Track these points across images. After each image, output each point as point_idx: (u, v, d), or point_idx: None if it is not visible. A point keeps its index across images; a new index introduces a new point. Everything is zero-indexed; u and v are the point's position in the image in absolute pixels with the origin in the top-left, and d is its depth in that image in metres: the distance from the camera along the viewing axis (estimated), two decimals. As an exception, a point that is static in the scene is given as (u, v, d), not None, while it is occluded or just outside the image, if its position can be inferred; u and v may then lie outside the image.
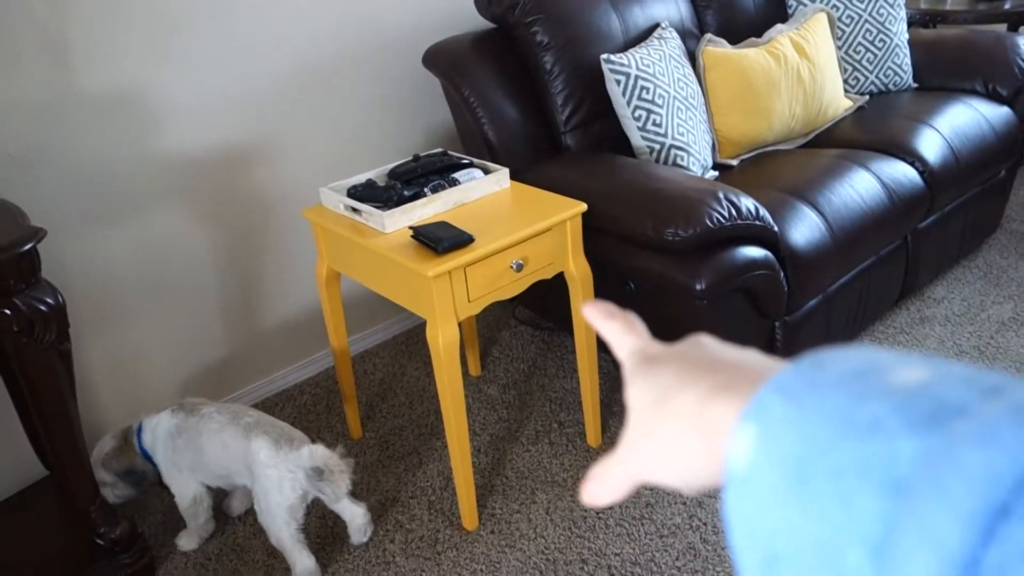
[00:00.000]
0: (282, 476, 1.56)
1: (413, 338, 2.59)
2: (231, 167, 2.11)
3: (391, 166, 1.91)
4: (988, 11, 3.15)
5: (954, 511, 0.20)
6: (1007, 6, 3.17)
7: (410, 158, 1.93)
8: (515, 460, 2.00)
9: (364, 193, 1.79)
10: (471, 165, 1.92)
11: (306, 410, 2.29)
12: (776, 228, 1.88)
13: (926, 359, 0.26)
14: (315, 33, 2.17)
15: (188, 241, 2.09)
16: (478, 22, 2.50)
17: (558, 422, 2.12)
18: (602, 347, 2.22)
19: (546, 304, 2.39)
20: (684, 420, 0.31)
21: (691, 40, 2.46)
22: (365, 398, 2.31)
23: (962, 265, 2.65)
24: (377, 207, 1.74)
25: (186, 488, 1.74)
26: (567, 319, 2.23)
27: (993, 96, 2.58)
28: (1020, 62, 2.58)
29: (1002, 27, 3.67)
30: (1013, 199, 3.06)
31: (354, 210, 1.75)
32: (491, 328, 2.59)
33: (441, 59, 2.17)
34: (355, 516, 1.73)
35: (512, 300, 2.60)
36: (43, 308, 1.41)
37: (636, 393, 0.34)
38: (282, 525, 1.58)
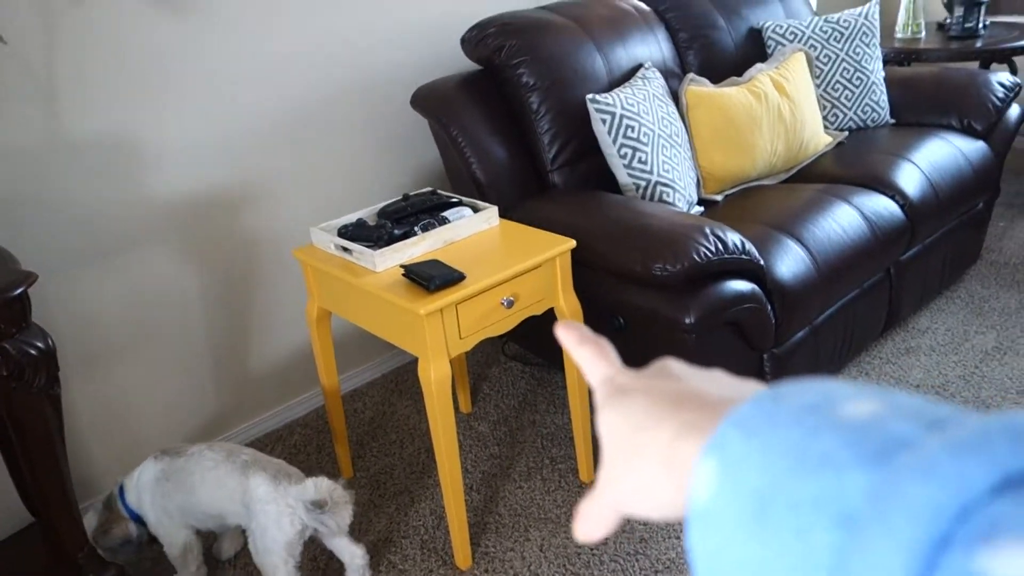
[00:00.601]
0: (281, 511, 1.54)
1: (403, 376, 2.59)
2: (220, 209, 2.12)
3: (381, 205, 1.93)
4: (960, 49, 3.24)
5: (897, 543, 0.21)
6: (979, 44, 3.26)
7: (399, 197, 1.95)
8: (508, 497, 1.99)
9: (355, 232, 1.80)
10: (460, 204, 1.94)
11: (296, 450, 2.27)
12: (762, 262, 1.90)
13: (880, 391, 0.27)
14: (304, 75, 2.20)
15: (176, 284, 2.09)
16: (465, 64, 2.55)
17: (550, 458, 2.12)
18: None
19: (536, 340, 2.40)
20: (655, 456, 0.32)
21: (674, 79, 2.51)
22: (355, 437, 2.30)
23: (945, 296, 2.69)
24: (368, 246, 1.75)
25: (176, 536, 1.71)
26: (557, 355, 2.23)
27: (968, 131, 2.65)
28: (993, 98, 2.65)
29: (974, 64, 3.77)
30: (991, 231, 3.12)
31: (345, 249, 1.76)
32: (481, 365, 2.60)
33: (429, 100, 2.20)
34: (354, 556, 1.71)
35: (502, 336, 2.61)
36: (33, 352, 1.41)
37: (607, 425, 0.35)
38: (279, 563, 1.56)
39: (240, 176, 2.14)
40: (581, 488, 1.99)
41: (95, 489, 2.07)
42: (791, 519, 0.24)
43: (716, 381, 0.35)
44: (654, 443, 0.32)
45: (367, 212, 1.93)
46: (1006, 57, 3.30)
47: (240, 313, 2.24)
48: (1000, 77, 2.71)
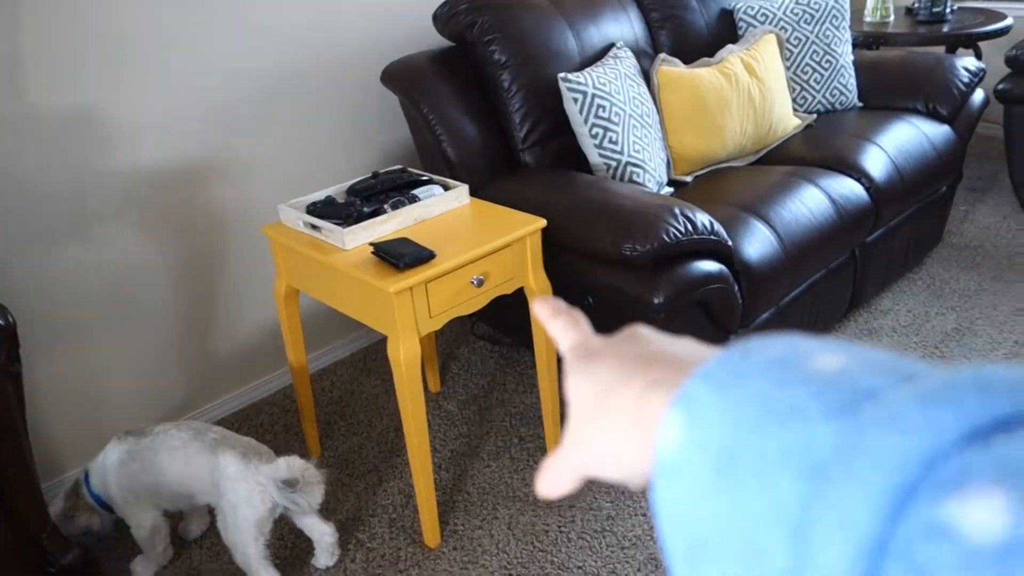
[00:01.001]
0: (251, 489, 1.53)
1: (371, 355, 2.58)
2: (188, 185, 2.09)
3: (350, 183, 1.91)
4: (928, 34, 3.27)
5: (864, 492, 0.21)
6: (946, 29, 3.30)
7: (369, 175, 1.93)
8: (476, 476, 2.00)
9: (324, 210, 1.78)
10: (430, 182, 1.92)
11: (264, 429, 2.26)
12: (730, 243, 1.92)
13: (849, 346, 0.27)
14: (273, 50, 2.16)
15: (144, 260, 2.06)
16: (436, 40, 2.52)
17: (519, 437, 2.13)
18: (562, 361, 2.24)
19: (505, 319, 2.40)
20: (623, 415, 0.32)
21: (645, 59, 2.51)
22: (324, 416, 2.29)
23: (907, 277, 2.74)
24: (337, 224, 1.73)
25: (143, 517, 1.69)
26: (526, 334, 2.24)
27: (934, 115, 2.68)
28: (958, 83, 2.69)
29: (941, 49, 3.81)
30: (954, 214, 3.17)
31: (313, 227, 1.75)
32: (450, 344, 2.60)
33: (400, 76, 2.18)
34: (323, 535, 1.70)
35: (471, 316, 2.61)
36: (-7, 328, 1.38)
37: (576, 387, 0.35)
38: (249, 540, 1.56)
39: (209, 152, 2.10)
40: (549, 466, 2.01)
41: (58, 468, 2.04)
42: (757, 470, 0.24)
43: (686, 345, 0.35)
44: (622, 402, 0.32)
45: (336, 189, 1.91)
46: (972, 42, 3.35)
47: (208, 291, 2.21)
48: (965, 62, 2.75)
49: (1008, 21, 3.32)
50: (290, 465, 1.54)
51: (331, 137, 2.36)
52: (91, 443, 2.08)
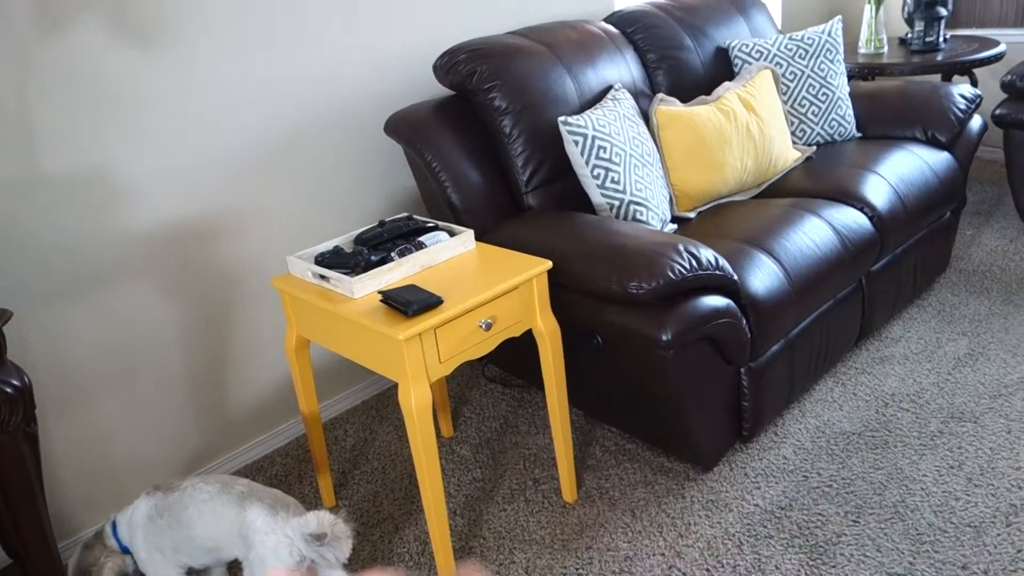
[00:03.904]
0: (279, 542, 1.52)
1: (383, 402, 2.58)
2: (197, 240, 2.12)
3: (357, 232, 1.94)
4: (922, 63, 3.31)
5: None
6: (940, 58, 3.34)
7: (376, 223, 1.96)
8: (492, 520, 1.99)
9: (332, 260, 1.81)
10: (436, 228, 1.95)
11: (278, 480, 2.26)
12: (736, 277, 1.93)
13: None
14: (275, 104, 2.21)
15: (153, 316, 2.08)
16: (437, 90, 2.57)
17: (533, 479, 2.12)
18: (574, 402, 2.24)
19: (515, 361, 2.41)
20: None
21: (643, 100, 2.55)
22: (337, 465, 2.29)
23: (916, 304, 2.73)
24: (345, 273, 1.75)
25: (166, 574, 1.69)
26: (537, 375, 2.24)
27: (933, 142, 2.71)
28: (955, 110, 2.71)
29: (936, 77, 3.86)
30: (959, 239, 3.18)
31: (322, 277, 1.77)
32: (461, 388, 2.60)
33: (403, 126, 2.22)
34: None
35: (481, 359, 2.62)
36: (9, 391, 1.39)
37: None
38: None
39: (216, 206, 2.14)
40: (565, 508, 2.00)
41: (72, 528, 2.04)
42: None
43: None
44: None
45: (344, 239, 1.94)
46: (966, 70, 3.38)
47: (219, 344, 2.23)
48: (961, 89, 2.78)
49: (1001, 47, 3.36)
50: (319, 519, 1.53)
51: (337, 187, 2.40)
52: (105, 502, 2.08)
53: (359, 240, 1.89)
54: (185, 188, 2.07)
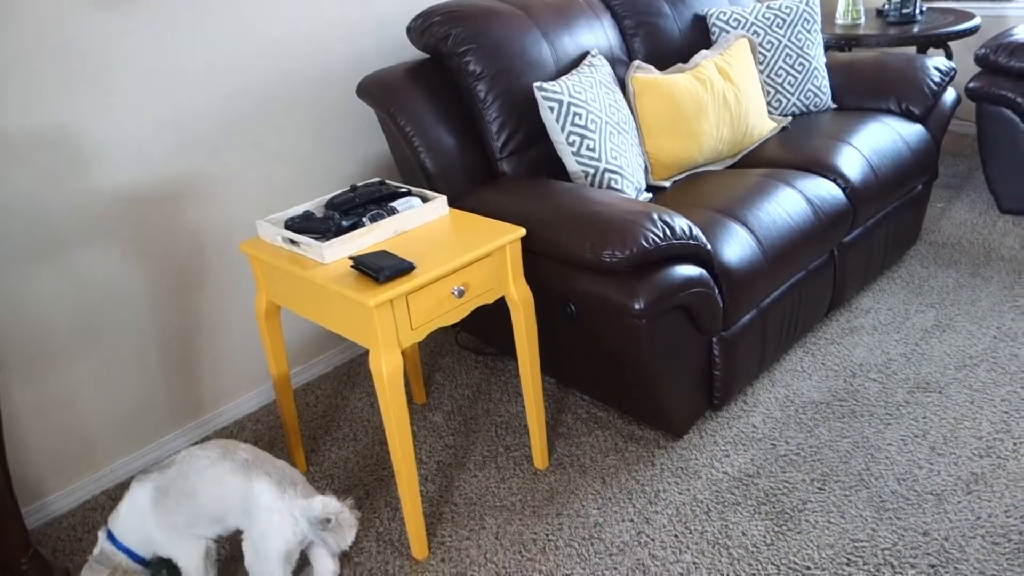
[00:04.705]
0: (284, 521, 1.49)
1: (355, 368, 2.57)
2: (166, 204, 2.08)
3: (328, 197, 1.91)
4: (899, 35, 3.31)
5: None
6: (916, 30, 3.34)
7: (347, 188, 1.93)
8: (463, 486, 1.99)
9: (302, 225, 1.78)
10: (409, 193, 1.92)
11: (248, 447, 2.24)
12: (709, 246, 1.93)
13: None
14: (248, 66, 2.15)
15: (122, 280, 2.04)
16: (411, 53, 2.52)
17: (504, 446, 2.12)
18: (546, 369, 2.24)
19: (488, 328, 2.40)
20: None
21: (620, 67, 2.52)
22: (308, 431, 2.28)
23: (886, 276, 2.76)
24: (316, 238, 1.73)
25: (194, 549, 1.60)
26: (509, 343, 2.24)
27: (907, 115, 2.71)
28: (930, 82, 2.72)
29: (912, 49, 3.86)
30: (930, 212, 3.21)
31: (292, 242, 1.74)
32: (433, 355, 2.59)
33: (376, 89, 2.18)
34: (328, 570, 1.65)
35: (454, 326, 2.61)
36: (-33, 353, 1.36)
37: None
38: (276, 570, 1.52)
39: (185, 170, 2.09)
40: (536, 475, 2.01)
41: (37, 494, 2.02)
42: None
43: None
44: None
45: (314, 204, 1.91)
46: (942, 42, 3.39)
47: (188, 309, 2.19)
48: (936, 62, 2.78)
49: (976, 20, 3.37)
50: (326, 505, 1.50)
51: (308, 151, 2.36)
52: (70, 468, 2.06)
53: (330, 205, 1.86)
54: (154, 150, 2.02)
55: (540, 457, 2.02)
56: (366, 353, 2.65)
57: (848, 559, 1.67)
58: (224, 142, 2.16)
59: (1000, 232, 2.99)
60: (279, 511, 1.50)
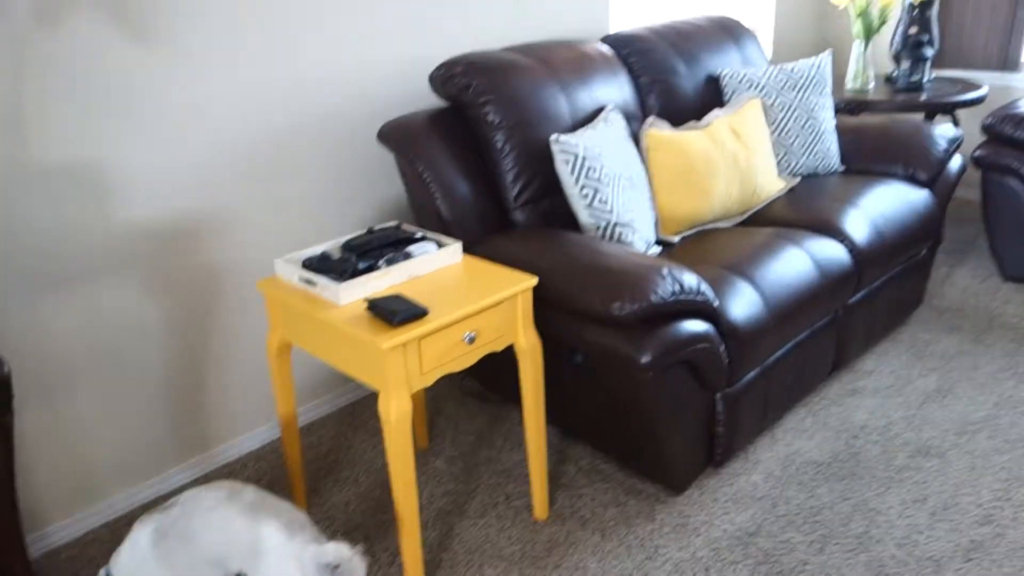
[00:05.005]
0: (293, 565, 1.49)
1: (360, 409, 2.58)
2: (184, 240, 2.11)
3: (346, 238, 1.94)
4: (907, 101, 3.38)
5: None
6: (924, 97, 3.41)
7: (365, 231, 1.97)
8: (462, 534, 2.00)
9: (319, 265, 1.81)
10: (424, 239, 1.96)
11: (250, 483, 2.24)
12: (717, 303, 1.96)
13: None
14: (271, 107, 2.21)
15: (137, 313, 2.07)
16: (431, 101, 2.58)
17: (505, 494, 2.13)
18: (550, 419, 2.25)
19: (493, 375, 2.42)
20: None
21: (635, 122, 2.58)
22: (311, 471, 2.28)
23: (890, 339, 2.78)
24: (332, 279, 1.76)
25: None
26: (514, 391, 2.26)
27: (913, 180, 2.76)
28: (936, 150, 2.77)
29: (920, 116, 3.93)
30: (934, 276, 3.24)
31: (308, 282, 1.77)
32: (438, 400, 2.60)
33: (396, 135, 2.23)
34: None
35: (459, 371, 2.62)
36: (-14, 380, 1.38)
37: None
38: None
39: (205, 207, 2.13)
40: (536, 525, 2.01)
41: (43, 521, 2.02)
42: None
43: None
44: None
45: (332, 245, 1.94)
46: (949, 110, 3.45)
47: (199, 344, 2.22)
48: (943, 129, 2.84)
49: (983, 90, 3.44)
50: (338, 551, 1.50)
51: (327, 193, 2.40)
52: (74, 497, 2.06)
53: (347, 246, 1.90)
54: (174, 186, 2.06)
55: (540, 507, 2.02)
56: (372, 395, 2.67)
57: (847, 624, 1.67)
58: (244, 181, 2.20)
59: (1003, 299, 3.02)
60: (288, 555, 1.50)
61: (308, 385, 2.52)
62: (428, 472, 2.24)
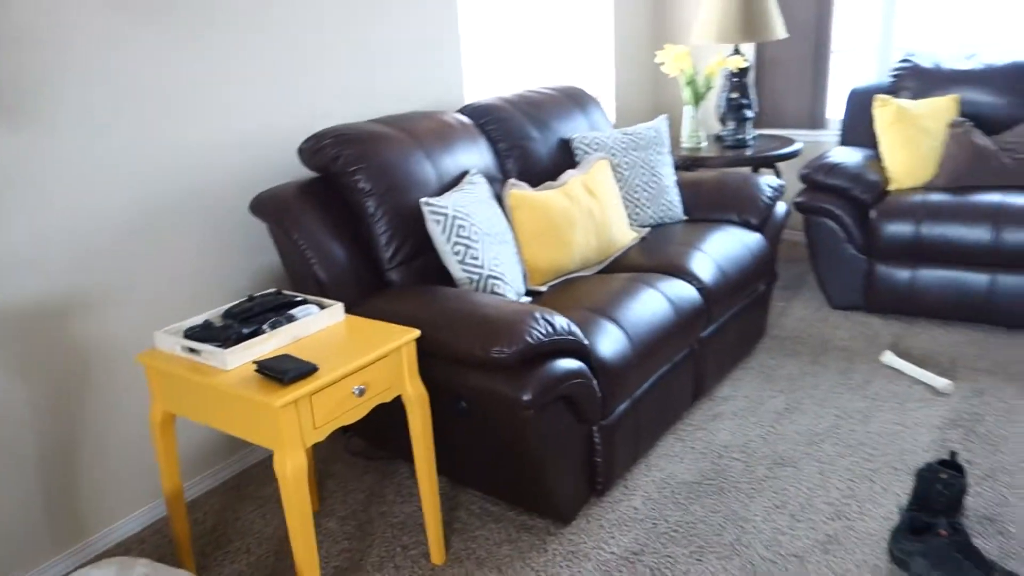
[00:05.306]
0: None
1: (244, 481, 2.55)
2: (52, 317, 2.07)
3: (226, 307, 1.98)
4: (735, 157, 3.78)
5: None
6: (749, 153, 3.82)
7: (245, 298, 2.01)
8: (363, 588, 2.02)
9: (202, 333, 1.84)
10: (305, 302, 2.02)
11: (133, 567, 2.16)
12: (587, 341, 2.12)
13: None
14: (138, 181, 2.22)
15: (2, 395, 1.99)
16: (300, 171, 2.67)
17: (401, 545, 2.17)
18: (438, 468, 2.33)
19: (380, 433, 2.47)
20: None
21: (496, 184, 2.77)
22: (198, 547, 2.23)
23: (740, 367, 3.06)
24: (217, 346, 1.79)
25: None
26: (400, 445, 2.32)
27: (746, 225, 3.09)
28: (763, 198, 3.12)
29: (747, 169, 4.37)
30: (773, 310, 3.58)
31: (192, 351, 1.79)
32: (326, 462, 2.61)
33: (269, 205, 2.29)
34: None
35: (345, 433, 2.66)
36: None
37: None
38: None
39: (74, 283, 2.10)
40: (434, 570, 2.06)
41: (-102, 633, 1.87)
42: None
43: None
44: None
45: (212, 314, 1.97)
46: (771, 163, 3.88)
47: (73, 425, 2.15)
48: (767, 179, 3.20)
49: (798, 145, 3.89)
50: None
51: (200, 265, 2.42)
52: (-62, 601, 1.93)
53: (228, 314, 1.93)
54: (41, 264, 2.03)
55: (437, 552, 2.08)
56: (255, 466, 2.64)
57: (728, 623, 1.82)
58: (114, 256, 2.19)
59: (833, 325, 3.38)
60: None
61: (189, 462, 2.47)
62: (322, 533, 2.25)
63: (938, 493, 2.09)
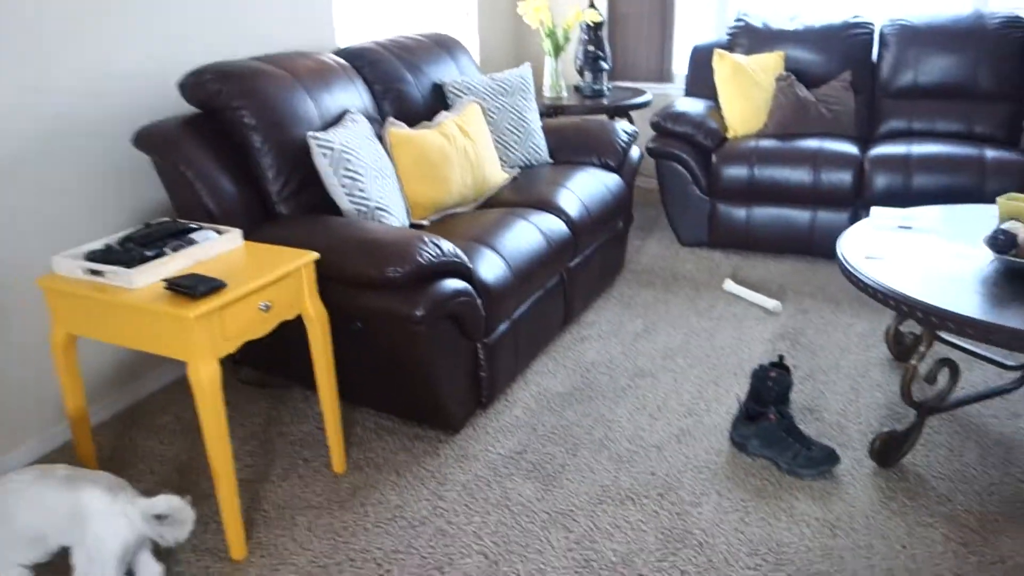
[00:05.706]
0: (119, 523, 1.54)
1: (138, 412, 2.59)
2: (-71, 249, 2.03)
3: (123, 233, 2.02)
4: (593, 105, 4.06)
5: None
6: (605, 102, 4.12)
7: (142, 225, 2.06)
8: (270, 495, 2.15)
9: (105, 257, 1.88)
10: (201, 228, 2.10)
11: (28, 498, 2.18)
12: (471, 264, 2.32)
13: None
14: (26, 109, 2.19)
15: None
16: (177, 108, 2.68)
17: (303, 459, 2.31)
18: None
19: (273, 360, 2.58)
20: None
21: (375, 124, 2.89)
22: (102, 469, 2.27)
23: (604, 296, 3.37)
24: (122, 267, 1.85)
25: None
26: (297, 369, 2.44)
27: (605, 167, 3.38)
28: (620, 142, 3.42)
29: (604, 117, 4.68)
30: (630, 248, 3.93)
31: (96, 272, 1.84)
32: (216, 394, 2.69)
33: (154, 139, 2.32)
34: (154, 573, 1.72)
35: (235, 363, 2.74)
36: None
37: None
38: (111, 573, 1.56)
39: (-51, 215, 2.06)
40: (336, 477, 2.22)
41: None
42: None
43: None
44: None
45: (110, 239, 2.01)
46: (625, 112, 4.20)
47: (-48, 360, 2.12)
48: (623, 126, 3.50)
49: (648, 97, 4.23)
50: (168, 501, 1.59)
51: (83, 201, 2.41)
52: None
53: (128, 239, 1.98)
54: (-84, 195, 1.98)
55: (339, 462, 2.24)
56: (148, 397, 2.67)
57: (600, 499, 2.11)
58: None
59: (682, 260, 3.76)
60: (115, 513, 1.58)
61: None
62: (221, 456, 2.35)
63: (768, 389, 2.46)
